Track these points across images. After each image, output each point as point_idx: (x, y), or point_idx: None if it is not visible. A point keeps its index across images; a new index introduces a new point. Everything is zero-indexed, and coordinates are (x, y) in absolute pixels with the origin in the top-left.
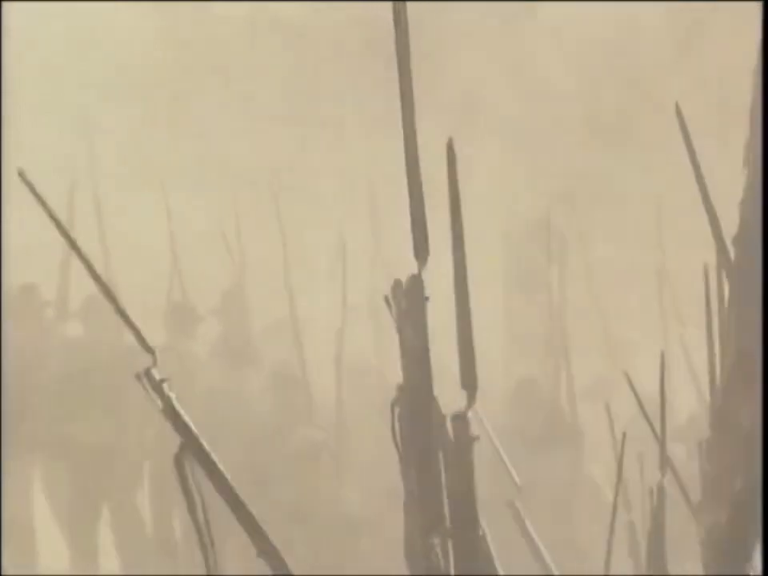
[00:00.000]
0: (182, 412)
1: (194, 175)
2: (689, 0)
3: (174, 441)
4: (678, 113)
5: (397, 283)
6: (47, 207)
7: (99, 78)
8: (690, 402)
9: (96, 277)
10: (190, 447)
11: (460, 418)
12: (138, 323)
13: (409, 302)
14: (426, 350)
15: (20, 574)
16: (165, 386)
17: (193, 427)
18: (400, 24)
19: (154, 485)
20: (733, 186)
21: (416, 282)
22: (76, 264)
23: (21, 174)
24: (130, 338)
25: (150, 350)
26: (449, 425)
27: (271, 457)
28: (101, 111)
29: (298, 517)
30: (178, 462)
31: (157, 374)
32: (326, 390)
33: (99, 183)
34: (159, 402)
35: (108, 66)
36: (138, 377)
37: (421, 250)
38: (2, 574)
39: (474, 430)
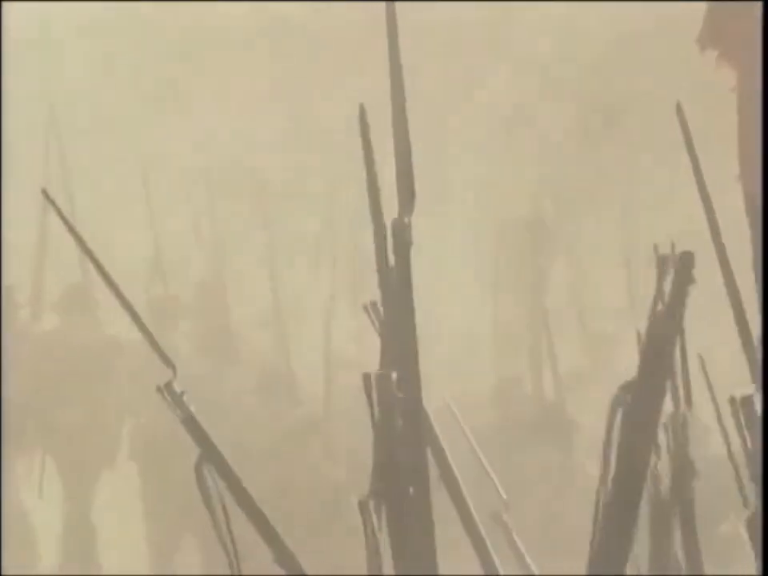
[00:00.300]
0: (201, 424)
1: (178, 170)
2: (691, 0)
3: (157, 431)
4: (679, 112)
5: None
6: (69, 224)
7: (91, 74)
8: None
9: (116, 291)
10: (210, 458)
11: (384, 378)
12: (118, 317)
13: (394, 247)
14: (410, 302)
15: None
16: (185, 398)
17: (212, 439)
18: (391, 24)
19: (134, 473)
20: (727, 187)
21: (401, 227)
22: (49, 263)
23: (44, 193)
24: (107, 330)
25: (170, 364)
26: (373, 385)
27: (263, 439)
28: (87, 107)
29: (290, 488)
30: (198, 473)
31: (177, 388)
32: (311, 378)
33: (79, 180)
34: (180, 414)
35: (100, 62)
36: (158, 389)
37: (406, 196)
38: (2, 574)
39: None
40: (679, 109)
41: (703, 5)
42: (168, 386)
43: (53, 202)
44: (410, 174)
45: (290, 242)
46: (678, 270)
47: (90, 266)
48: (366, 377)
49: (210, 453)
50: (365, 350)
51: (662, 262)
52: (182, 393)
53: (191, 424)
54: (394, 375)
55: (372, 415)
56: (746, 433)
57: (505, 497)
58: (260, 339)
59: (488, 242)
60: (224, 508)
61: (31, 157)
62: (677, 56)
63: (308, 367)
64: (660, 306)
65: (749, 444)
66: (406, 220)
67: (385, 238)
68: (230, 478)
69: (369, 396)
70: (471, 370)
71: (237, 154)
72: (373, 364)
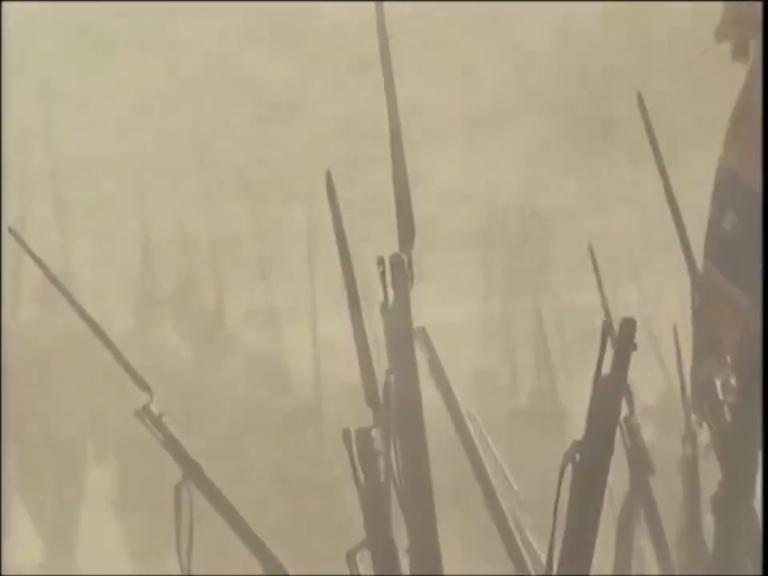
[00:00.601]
0: (182, 444)
1: (170, 165)
2: (691, 0)
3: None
4: (640, 102)
5: (380, 260)
6: (41, 263)
7: (81, 67)
8: (657, 383)
9: (91, 322)
10: (192, 477)
11: (363, 434)
12: (100, 308)
13: (393, 282)
14: (409, 334)
15: None
16: (164, 420)
17: (193, 458)
18: (381, 25)
19: (117, 469)
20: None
21: (399, 260)
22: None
23: (11, 232)
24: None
25: (146, 388)
26: (353, 439)
27: (257, 428)
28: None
29: (285, 475)
30: (177, 493)
31: (155, 410)
32: (302, 369)
33: (72, 171)
34: (160, 437)
35: (93, 58)
36: (137, 413)
37: (407, 233)
38: (2, 574)
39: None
40: (640, 99)
41: (703, 4)
42: (146, 408)
43: (21, 241)
44: (409, 211)
45: (283, 234)
46: (620, 335)
47: (70, 255)
48: (346, 432)
49: (192, 472)
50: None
51: (605, 328)
52: (161, 414)
53: (172, 445)
54: (374, 431)
55: (354, 470)
56: (709, 417)
57: (521, 496)
58: (251, 329)
59: (479, 237)
60: (191, 529)
61: (19, 145)
62: (676, 54)
63: (298, 356)
64: (603, 371)
65: (712, 425)
66: (405, 256)
67: (353, 280)
68: (214, 495)
69: (350, 451)
70: (456, 364)
71: (220, 145)
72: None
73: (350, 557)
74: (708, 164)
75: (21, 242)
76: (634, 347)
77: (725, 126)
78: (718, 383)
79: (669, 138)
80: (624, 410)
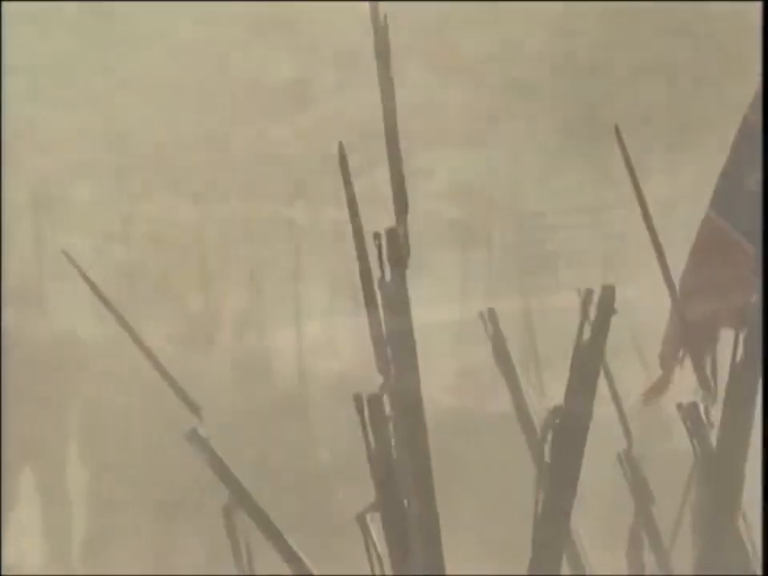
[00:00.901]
0: (229, 467)
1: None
2: (685, 0)
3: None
4: (618, 136)
5: (376, 235)
6: (94, 286)
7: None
8: (638, 377)
9: (142, 345)
10: (239, 499)
11: (375, 399)
12: (78, 312)
13: (389, 257)
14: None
15: None
16: (211, 443)
17: (240, 480)
18: (377, 25)
19: (95, 477)
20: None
21: (394, 234)
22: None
23: (65, 254)
24: (64, 325)
25: (195, 410)
26: (365, 404)
27: (250, 424)
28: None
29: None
30: (227, 514)
31: (203, 432)
32: (288, 367)
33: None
34: (207, 457)
35: (91, 56)
36: (186, 437)
37: (400, 203)
38: (2, 574)
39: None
40: (617, 131)
41: (702, 4)
42: (194, 431)
43: (76, 264)
44: (402, 185)
45: (274, 234)
46: (601, 301)
47: (47, 255)
48: (358, 397)
49: (239, 494)
50: (338, 338)
51: (586, 295)
52: (208, 438)
53: (219, 466)
54: (385, 396)
55: (365, 435)
56: (693, 438)
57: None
58: (239, 328)
59: (473, 236)
60: (248, 550)
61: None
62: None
63: (283, 354)
64: (584, 336)
65: (696, 447)
66: (400, 230)
67: (367, 258)
68: (260, 517)
69: (361, 416)
70: (441, 362)
71: (226, 148)
72: (346, 352)
73: (361, 518)
74: (706, 165)
75: (75, 265)
76: (614, 311)
77: (724, 125)
78: (702, 406)
79: (668, 138)
80: (623, 443)
